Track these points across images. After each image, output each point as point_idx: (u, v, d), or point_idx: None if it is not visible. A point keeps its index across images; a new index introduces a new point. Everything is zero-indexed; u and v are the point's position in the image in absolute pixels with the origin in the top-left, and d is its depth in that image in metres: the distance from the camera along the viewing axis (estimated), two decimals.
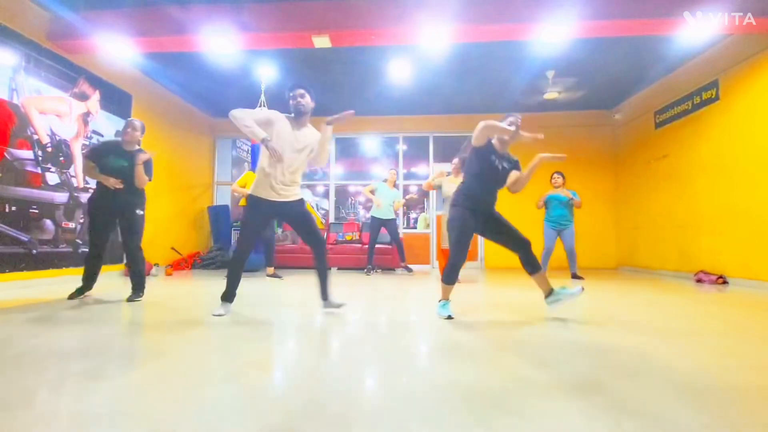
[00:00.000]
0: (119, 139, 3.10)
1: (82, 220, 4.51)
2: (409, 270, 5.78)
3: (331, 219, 8.00)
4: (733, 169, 4.55)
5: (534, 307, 2.84)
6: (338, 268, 6.48)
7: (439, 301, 2.54)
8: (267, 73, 5.56)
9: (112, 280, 4.56)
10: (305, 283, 4.43)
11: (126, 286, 3.26)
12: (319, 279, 2.61)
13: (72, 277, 4.33)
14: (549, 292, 2.48)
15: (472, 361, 1.56)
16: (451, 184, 4.49)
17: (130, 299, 3.01)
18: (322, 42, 4.13)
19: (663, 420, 1.05)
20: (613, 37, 4.23)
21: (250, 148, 6.15)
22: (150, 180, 3.11)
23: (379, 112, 7.25)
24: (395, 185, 5.68)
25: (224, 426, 1.00)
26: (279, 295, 3.44)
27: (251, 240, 2.52)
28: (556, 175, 5.08)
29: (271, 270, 4.85)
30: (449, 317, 2.40)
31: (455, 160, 4.63)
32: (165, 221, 6.08)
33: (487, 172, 2.47)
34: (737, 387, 1.31)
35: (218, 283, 4.34)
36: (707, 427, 1.02)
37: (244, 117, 2.33)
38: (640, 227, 6.32)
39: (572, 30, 3.93)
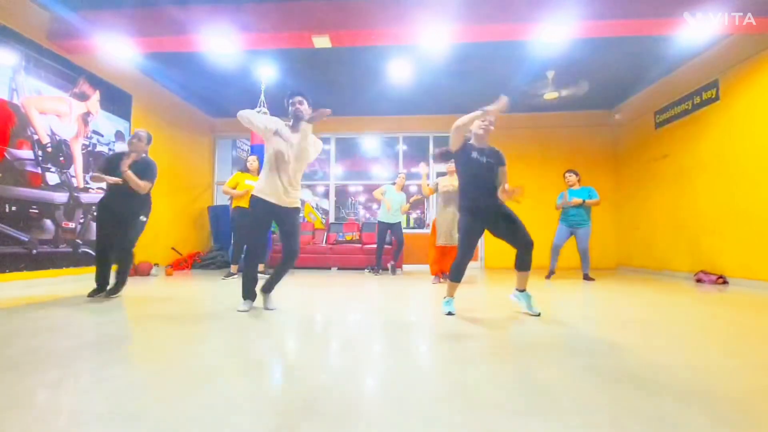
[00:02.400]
0: (127, 150, 3.17)
1: (82, 220, 4.51)
2: (394, 272, 5.69)
3: (331, 219, 8.00)
4: (733, 169, 4.55)
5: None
6: (338, 268, 6.48)
7: (444, 297, 2.61)
8: (267, 73, 5.56)
9: (110, 281, 4.55)
10: (299, 282, 4.43)
11: (124, 287, 3.26)
12: (274, 274, 2.69)
13: (72, 277, 4.33)
14: (521, 290, 2.60)
15: (471, 361, 1.56)
16: (447, 183, 4.49)
17: (109, 295, 3.13)
18: (322, 42, 4.13)
19: (663, 420, 1.05)
20: (613, 37, 4.22)
21: (250, 148, 6.15)
22: (151, 183, 3.15)
23: (379, 112, 7.25)
24: (402, 189, 5.68)
25: (224, 426, 1.00)
26: (279, 296, 3.43)
27: (261, 238, 2.64)
28: (568, 174, 5.06)
29: (261, 267, 4.83)
30: (449, 313, 2.48)
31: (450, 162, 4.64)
32: (165, 221, 6.08)
33: (473, 171, 2.53)
34: (738, 388, 1.31)
35: (218, 283, 4.34)
36: (707, 427, 1.02)
37: (252, 115, 2.53)
38: (640, 227, 6.32)
39: (572, 30, 3.93)
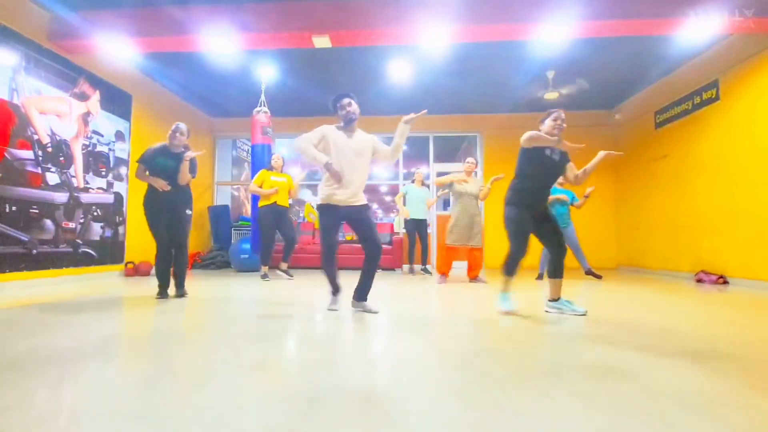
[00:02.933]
0: (165, 143, 3.21)
1: (82, 220, 4.52)
2: (428, 272, 5.70)
3: None
4: (733, 169, 4.55)
5: (530, 306, 2.84)
6: (338, 268, 6.47)
7: (500, 293, 2.64)
8: (267, 73, 5.56)
9: (111, 280, 4.56)
10: (312, 283, 4.43)
11: (125, 287, 3.26)
12: (361, 279, 2.69)
13: (72, 277, 4.34)
14: (556, 299, 2.61)
15: (470, 360, 1.56)
16: (464, 183, 4.46)
17: (180, 295, 3.18)
18: (322, 42, 4.13)
19: (663, 421, 1.05)
20: (613, 37, 4.23)
21: (250, 148, 6.15)
22: (193, 177, 3.21)
23: (379, 112, 7.25)
24: (423, 183, 5.59)
25: (225, 426, 1.00)
26: (283, 295, 3.43)
27: (332, 240, 2.64)
28: None
29: (284, 265, 4.88)
30: (508, 312, 2.53)
31: (470, 159, 4.61)
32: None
33: (543, 168, 2.54)
34: (738, 388, 1.31)
35: (218, 283, 4.34)
36: (707, 427, 1.02)
37: (306, 147, 2.48)
38: (640, 227, 6.32)
39: (572, 30, 3.93)
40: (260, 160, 5.34)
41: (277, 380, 1.36)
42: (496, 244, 6.64)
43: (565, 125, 2.51)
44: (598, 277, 4.91)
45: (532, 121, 7.89)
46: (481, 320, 2.40)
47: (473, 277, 4.56)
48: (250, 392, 1.23)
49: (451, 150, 9.11)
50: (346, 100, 2.62)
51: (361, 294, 2.69)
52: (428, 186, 5.93)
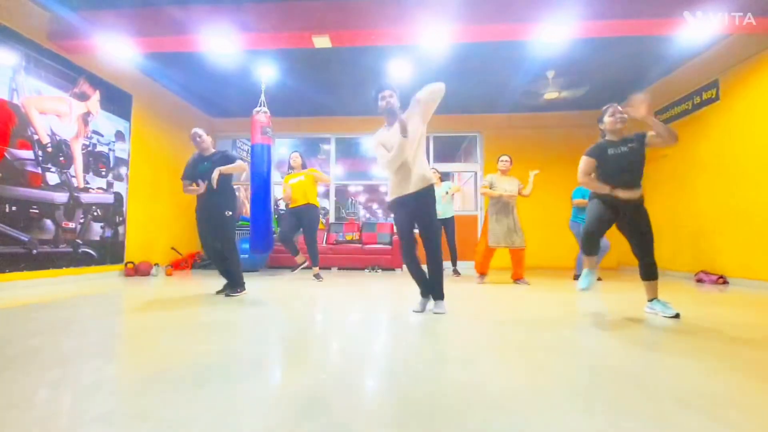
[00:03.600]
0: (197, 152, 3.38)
1: (82, 220, 4.52)
2: (458, 273, 5.47)
3: (331, 219, 8.00)
4: (733, 169, 4.55)
5: (527, 307, 2.84)
6: (338, 268, 6.48)
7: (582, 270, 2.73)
8: (267, 73, 5.56)
9: (111, 280, 4.56)
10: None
11: (125, 287, 3.26)
12: (430, 277, 2.62)
13: (72, 277, 4.34)
14: (652, 299, 2.59)
15: (469, 359, 1.56)
16: (503, 181, 4.40)
17: (227, 294, 3.26)
18: (322, 42, 4.14)
19: (663, 421, 1.05)
20: (613, 37, 4.22)
21: (250, 148, 6.15)
22: (243, 161, 3.28)
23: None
24: (441, 179, 5.48)
25: (225, 426, 1.00)
26: (288, 295, 3.44)
27: (407, 237, 2.60)
28: None
29: (315, 270, 4.72)
30: (582, 290, 2.62)
31: (504, 158, 4.51)
32: (165, 221, 6.09)
33: (612, 167, 2.53)
34: (739, 388, 1.31)
35: (217, 282, 4.34)
36: (708, 427, 1.02)
37: (387, 162, 2.55)
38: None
39: (572, 30, 3.94)
40: (260, 160, 5.33)
41: (277, 380, 1.36)
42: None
43: (625, 115, 2.52)
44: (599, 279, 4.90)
45: (532, 121, 7.87)
46: (478, 318, 2.40)
47: (518, 277, 4.42)
48: (250, 392, 1.23)
49: (451, 150, 9.11)
50: (387, 92, 2.62)
51: (433, 292, 2.63)
52: (451, 178, 5.63)
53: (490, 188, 4.40)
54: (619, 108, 2.54)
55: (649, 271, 2.55)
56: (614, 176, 2.52)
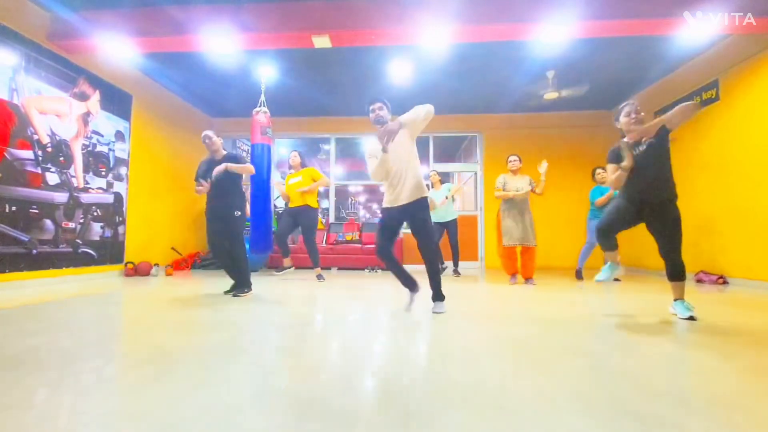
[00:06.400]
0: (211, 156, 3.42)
1: (82, 220, 4.51)
2: (458, 274, 5.52)
3: (331, 219, 8.00)
4: (733, 169, 4.55)
5: (527, 307, 2.83)
6: (338, 269, 6.48)
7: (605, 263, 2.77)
8: (267, 73, 5.56)
9: (111, 280, 4.56)
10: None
11: (125, 287, 3.26)
12: (430, 280, 2.66)
13: (72, 277, 4.33)
14: (676, 299, 2.54)
15: (468, 360, 1.56)
16: (515, 180, 4.38)
17: (234, 294, 3.25)
18: (322, 42, 4.13)
19: (664, 421, 1.05)
20: (613, 37, 4.22)
21: (250, 148, 6.15)
22: (250, 163, 3.37)
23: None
24: (441, 182, 5.52)
25: (225, 426, 1.00)
26: (288, 295, 3.43)
27: (386, 237, 2.71)
28: (599, 170, 4.85)
29: (317, 270, 4.71)
30: (599, 281, 2.71)
31: (513, 158, 4.47)
32: (165, 221, 6.08)
33: (634, 167, 2.53)
34: (739, 388, 1.31)
35: (217, 282, 4.34)
36: (707, 428, 1.02)
37: (375, 171, 2.68)
38: (639, 227, 6.30)
39: (572, 30, 3.93)
40: (260, 160, 5.33)
41: (277, 380, 1.36)
42: (494, 247, 6.62)
43: (641, 114, 2.51)
44: (580, 278, 4.82)
45: (532, 121, 7.88)
46: (476, 320, 2.40)
47: (527, 277, 4.37)
48: (250, 392, 1.23)
49: (451, 150, 9.11)
50: (377, 104, 2.67)
51: (433, 293, 2.68)
52: (451, 179, 5.66)
53: (503, 189, 4.38)
54: (636, 106, 2.52)
55: (673, 272, 2.49)
56: (639, 175, 2.52)
